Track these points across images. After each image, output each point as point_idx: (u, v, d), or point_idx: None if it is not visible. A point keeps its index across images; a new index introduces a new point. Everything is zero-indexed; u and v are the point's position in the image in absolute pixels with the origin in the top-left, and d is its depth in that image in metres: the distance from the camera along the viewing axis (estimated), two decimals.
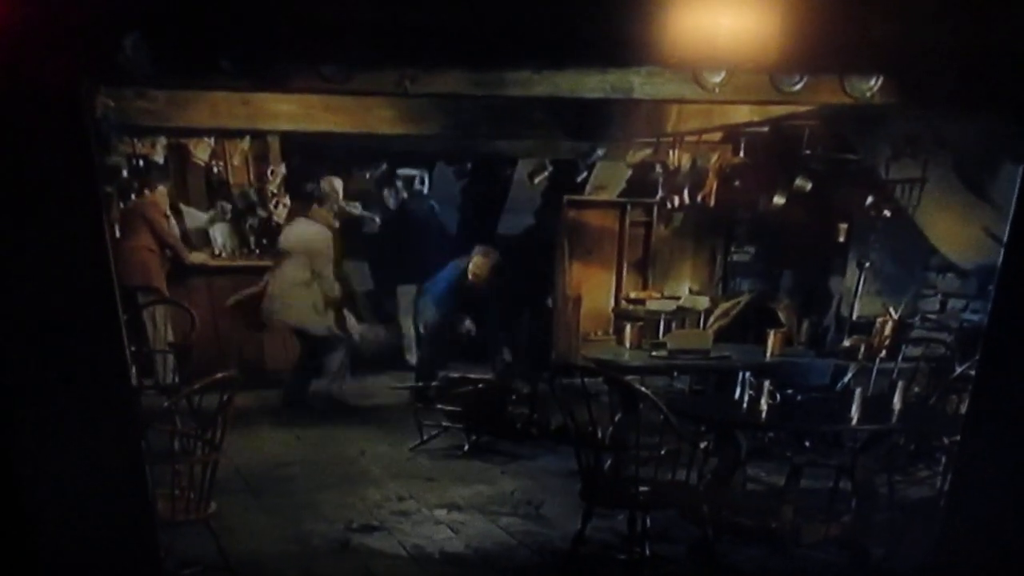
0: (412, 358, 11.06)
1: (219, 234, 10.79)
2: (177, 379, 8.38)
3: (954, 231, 8.00)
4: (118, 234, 9.56)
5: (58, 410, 3.30)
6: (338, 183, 11.02)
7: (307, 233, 9.31)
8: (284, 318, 9.23)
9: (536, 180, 11.83)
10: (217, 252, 10.61)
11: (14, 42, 2.99)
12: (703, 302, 9.98)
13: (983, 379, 3.48)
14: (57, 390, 3.28)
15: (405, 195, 11.75)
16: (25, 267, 3.14)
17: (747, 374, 5.92)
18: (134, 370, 8.11)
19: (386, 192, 11.71)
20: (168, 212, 10.24)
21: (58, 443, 3.33)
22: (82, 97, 3.13)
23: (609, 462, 5.57)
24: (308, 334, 9.27)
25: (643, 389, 5.23)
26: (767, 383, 5.72)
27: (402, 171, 12.52)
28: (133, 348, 8.10)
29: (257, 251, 10.70)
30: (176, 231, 10.09)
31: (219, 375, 4.91)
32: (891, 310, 7.81)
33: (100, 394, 3.34)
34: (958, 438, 4.07)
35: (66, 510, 3.41)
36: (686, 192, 10.65)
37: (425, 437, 8.11)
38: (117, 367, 3.42)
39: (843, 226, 9.33)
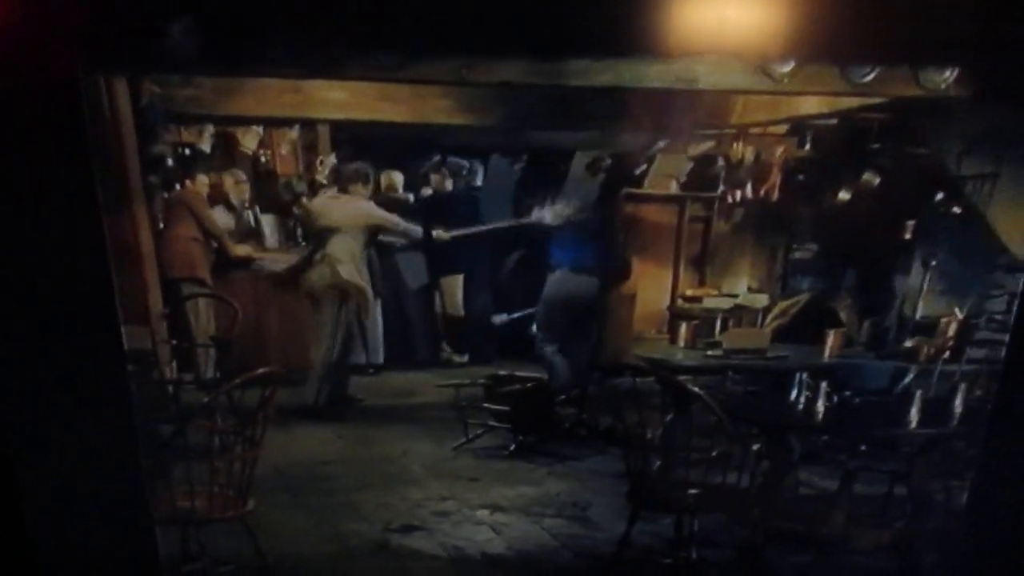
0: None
1: (266, 226, 10.91)
2: (218, 374, 8.50)
3: None
4: (161, 224, 9.72)
5: (52, 408, 3.34)
6: (398, 177, 11.15)
7: (356, 208, 9.30)
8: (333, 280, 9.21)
9: (594, 172, 11.83)
10: (266, 244, 10.73)
11: (9, 30, 3.02)
12: (761, 300, 9.93)
13: (1009, 380, 3.45)
14: (52, 387, 3.32)
15: (452, 184, 11.76)
16: (19, 261, 3.18)
17: (804, 375, 5.90)
18: (174, 364, 8.37)
19: (435, 180, 11.73)
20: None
21: (52, 440, 3.37)
22: (79, 85, 3.16)
23: (658, 464, 5.58)
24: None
25: (696, 390, 5.22)
26: (824, 384, 5.69)
27: (452, 160, 12.58)
28: (174, 341, 8.29)
29: (303, 243, 10.79)
30: (222, 221, 10.19)
31: (261, 370, 4.92)
32: (956, 310, 7.74)
33: (96, 392, 3.37)
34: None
35: (62, 509, 3.45)
36: (748, 186, 10.63)
37: (469, 436, 8.16)
38: (114, 364, 3.44)
39: (910, 223, 9.27)
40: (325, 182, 10.77)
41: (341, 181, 9.38)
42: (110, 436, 3.40)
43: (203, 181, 10.06)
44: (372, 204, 9.32)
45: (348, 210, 8.99)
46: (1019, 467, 3.28)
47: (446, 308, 11.42)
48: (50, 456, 3.36)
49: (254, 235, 10.72)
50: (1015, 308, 3.46)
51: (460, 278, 11.35)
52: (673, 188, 11.47)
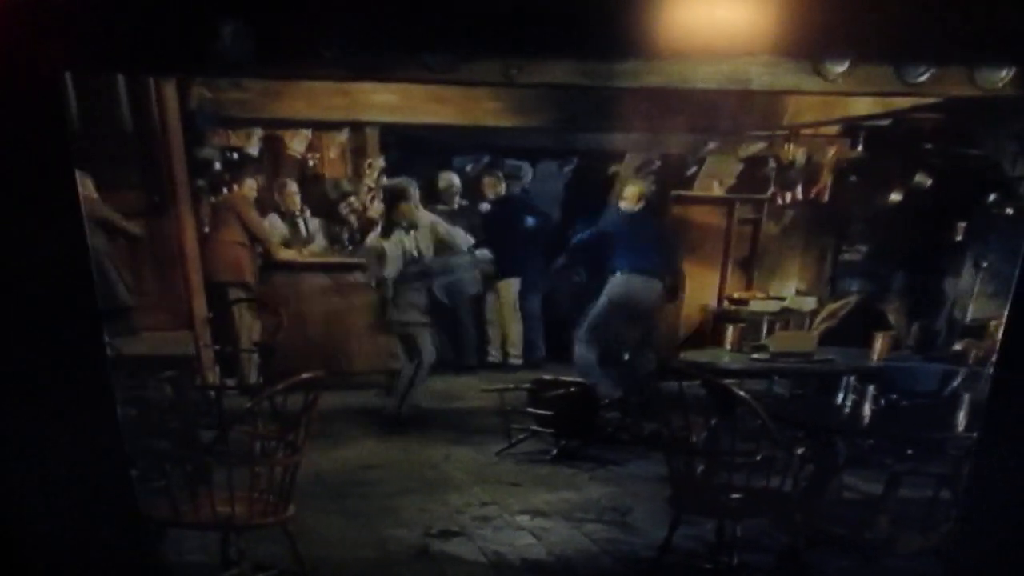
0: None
1: (315, 230, 10.98)
2: (261, 379, 8.55)
3: None
4: (207, 229, 9.81)
5: (33, 411, 3.37)
6: (455, 178, 11.18)
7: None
8: None
9: (643, 175, 11.81)
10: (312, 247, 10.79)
11: None
12: (809, 303, 9.87)
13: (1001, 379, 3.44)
14: (34, 390, 3.35)
15: (505, 188, 11.73)
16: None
17: (851, 378, 5.86)
18: (217, 369, 8.46)
19: (487, 183, 11.71)
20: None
21: (35, 445, 3.40)
22: (60, 86, 3.19)
23: (701, 468, 5.57)
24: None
25: (742, 393, 5.20)
26: (871, 388, 5.66)
27: (509, 163, 12.60)
28: (217, 346, 8.37)
29: (350, 247, 10.85)
30: (267, 225, 10.25)
31: (305, 376, 4.96)
32: (1007, 313, 7.63)
33: (80, 395, 3.40)
34: None
35: (48, 515, 3.49)
36: (799, 188, 10.57)
37: (512, 441, 8.16)
38: (96, 368, 3.47)
39: (961, 224, 9.17)
40: (372, 185, 10.81)
41: (388, 199, 9.43)
42: (94, 440, 3.43)
43: (250, 185, 10.11)
44: (434, 223, 9.39)
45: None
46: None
47: (502, 311, 11.40)
48: (30, 461, 3.39)
49: (299, 240, 10.77)
50: (1006, 312, 3.46)
51: (516, 281, 11.34)
52: (719, 190, 11.41)
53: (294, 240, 10.65)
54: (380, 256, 9.16)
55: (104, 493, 3.56)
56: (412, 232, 9.15)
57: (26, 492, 3.45)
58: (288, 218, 10.61)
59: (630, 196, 9.07)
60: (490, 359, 11.33)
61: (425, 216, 9.40)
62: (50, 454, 3.42)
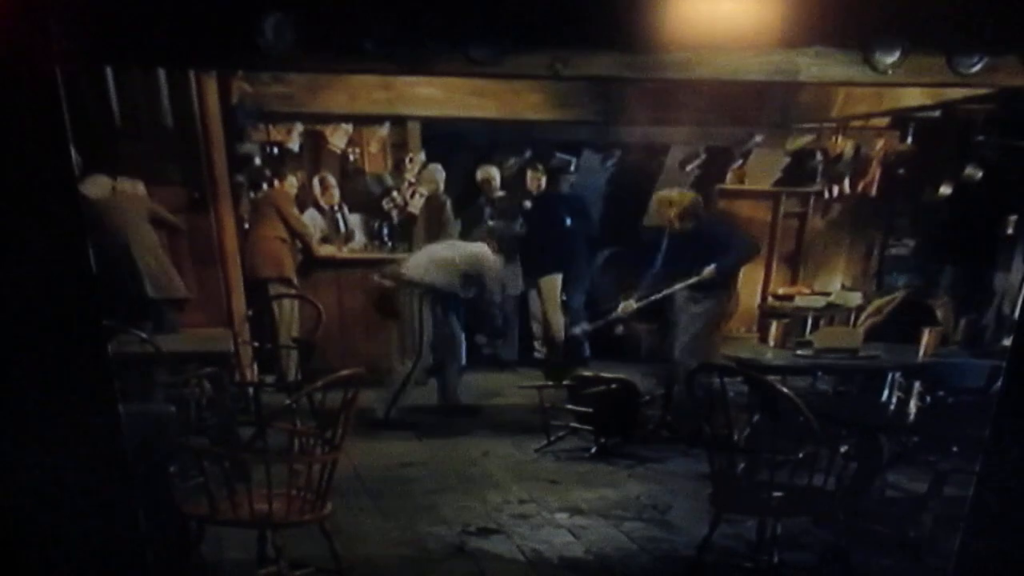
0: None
1: (353, 225, 11.04)
2: (299, 376, 8.61)
3: None
4: (247, 225, 9.89)
5: (33, 411, 3.39)
6: (495, 172, 11.21)
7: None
8: None
9: (688, 168, 11.79)
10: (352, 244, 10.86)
11: None
12: (855, 298, 9.83)
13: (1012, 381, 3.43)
14: (33, 388, 3.37)
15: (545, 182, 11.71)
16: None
17: (896, 375, 5.83)
18: (255, 366, 8.52)
19: (530, 177, 11.69)
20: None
21: (34, 445, 3.42)
22: (58, 81, 3.21)
23: (743, 466, 5.56)
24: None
25: (785, 390, 5.18)
26: (917, 384, 5.63)
27: (559, 156, 12.60)
28: (256, 343, 8.44)
29: (389, 244, 10.89)
30: (307, 221, 10.31)
31: (344, 372, 4.95)
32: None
33: (80, 393, 3.42)
34: None
35: (47, 517, 3.51)
36: (846, 181, 10.52)
37: (551, 438, 8.19)
38: (97, 364, 3.48)
39: (1012, 218, 9.10)
40: (414, 180, 10.85)
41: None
42: (95, 442, 3.45)
43: (291, 182, 10.18)
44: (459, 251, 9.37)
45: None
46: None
47: (546, 309, 11.42)
48: (28, 462, 3.42)
49: (339, 235, 10.83)
50: (1018, 308, 3.46)
51: (559, 278, 11.35)
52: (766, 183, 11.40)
53: (333, 236, 10.72)
54: None
55: (104, 495, 3.59)
56: None
57: (25, 494, 3.48)
58: (328, 213, 10.67)
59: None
60: (535, 355, 11.33)
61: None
62: (48, 454, 3.44)
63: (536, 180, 11.29)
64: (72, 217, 3.29)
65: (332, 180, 10.61)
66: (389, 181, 11.16)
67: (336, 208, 10.79)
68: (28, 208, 3.25)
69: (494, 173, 11.30)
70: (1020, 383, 3.42)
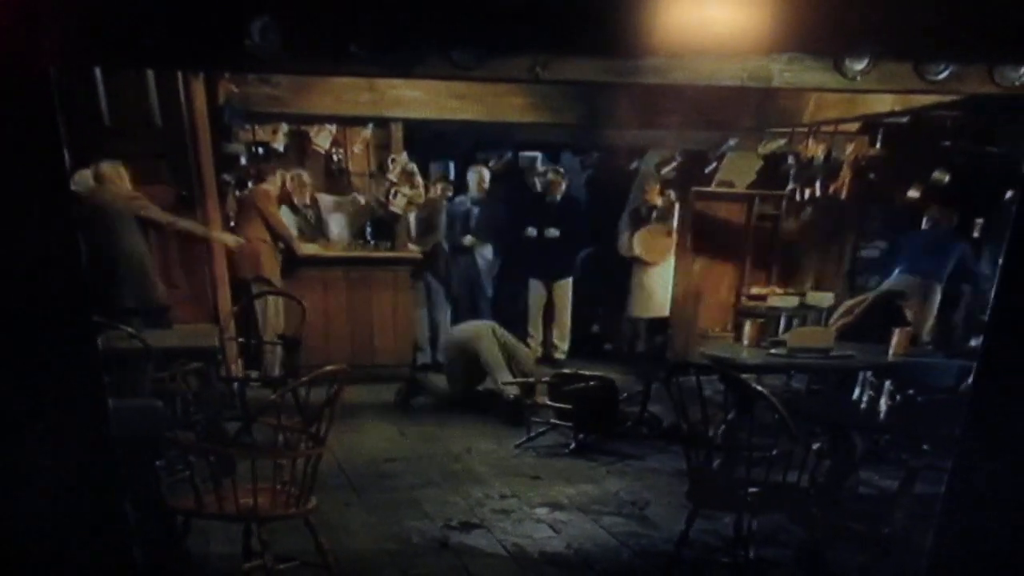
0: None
1: (335, 225, 10.99)
2: (284, 372, 8.57)
3: None
4: (233, 224, 9.82)
5: (24, 409, 3.34)
6: (487, 174, 11.20)
7: None
8: None
9: (663, 171, 11.79)
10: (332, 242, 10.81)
11: None
12: (827, 299, 9.84)
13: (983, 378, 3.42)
14: (24, 388, 3.32)
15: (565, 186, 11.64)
16: None
17: (868, 374, 5.83)
18: (241, 362, 8.47)
19: (551, 179, 11.65)
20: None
21: (22, 441, 3.37)
22: (51, 82, 3.16)
23: (719, 463, 5.54)
24: None
25: (760, 388, 5.17)
26: (888, 383, 5.62)
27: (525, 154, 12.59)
28: (241, 339, 8.38)
29: (372, 242, 10.85)
30: (288, 221, 10.24)
31: (329, 368, 4.92)
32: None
33: (71, 394, 3.37)
34: None
35: (32, 514, 3.46)
36: (818, 184, 10.53)
37: (532, 434, 8.16)
38: (88, 366, 3.43)
39: (979, 221, 9.13)
40: (396, 180, 10.81)
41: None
42: (83, 437, 3.40)
43: (274, 182, 10.11)
44: None
45: None
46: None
47: (556, 310, 11.43)
48: (18, 458, 3.37)
49: (312, 232, 10.78)
50: (989, 306, 3.44)
51: (569, 282, 11.37)
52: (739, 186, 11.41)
53: (308, 233, 10.66)
54: None
55: (91, 492, 3.53)
56: None
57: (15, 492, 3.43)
58: (301, 211, 10.62)
59: None
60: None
61: None
62: (38, 453, 3.39)
63: (556, 183, 11.28)
64: (64, 214, 3.24)
65: (306, 178, 10.53)
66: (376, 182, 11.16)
67: (307, 205, 10.72)
68: (20, 204, 3.18)
69: (485, 175, 11.30)
70: (990, 380, 3.41)
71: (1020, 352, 3.38)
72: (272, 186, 10.00)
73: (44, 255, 3.21)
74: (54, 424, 3.35)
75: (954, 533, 3.59)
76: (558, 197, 11.26)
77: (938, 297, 8.76)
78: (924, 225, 9.30)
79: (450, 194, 11.34)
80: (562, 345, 11.45)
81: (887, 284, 9.03)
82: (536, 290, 11.38)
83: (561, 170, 11.61)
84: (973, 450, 3.46)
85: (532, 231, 11.07)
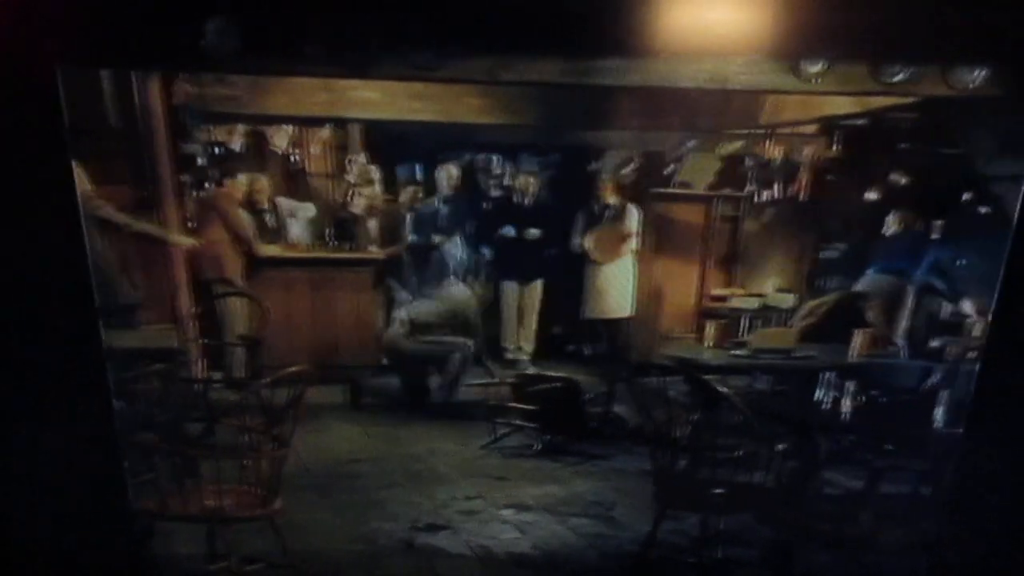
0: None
1: (295, 226, 10.92)
2: (247, 373, 8.52)
3: None
4: (193, 224, 9.75)
5: (32, 409, 3.32)
6: (455, 170, 11.16)
7: None
8: None
9: (623, 172, 11.81)
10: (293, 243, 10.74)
11: None
12: (788, 300, 9.90)
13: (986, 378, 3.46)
14: (27, 384, 3.30)
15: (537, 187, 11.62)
16: None
17: (830, 375, 5.86)
18: (203, 363, 8.41)
19: (521, 182, 11.63)
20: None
21: (31, 440, 3.36)
22: (56, 83, 3.15)
23: (684, 463, 5.56)
24: None
25: (723, 389, 5.20)
26: (850, 384, 5.66)
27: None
28: (203, 340, 8.32)
29: (333, 243, 10.80)
30: (249, 222, 10.18)
31: (292, 369, 4.92)
32: (983, 311, 7.64)
33: (77, 393, 3.36)
34: None
35: (41, 510, 3.45)
36: (777, 186, 10.58)
37: (497, 435, 8.16)
38: (93, 366, 3.42)
39: (938, 223, 9.20)
40: (355, 181, 10.77)
41: None
42: (90, 439, 3.39)
43: (235, 184, 10.05)
44: None
45: None
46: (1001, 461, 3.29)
47: (525, 311, 11.42)
48: (25, 457, 3.35)
49: (269, 234, 10.72)
50: (992, 304, 3.47)
51: (540, 283, 11.36)
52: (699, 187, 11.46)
53: (268, 235, 10.59)
54: None
55: (97, 489, 3.52)
56: None
57: (20, 488, 3.41)
58: (258, 213, 10.55)
59: None
60: (507, 356, 11.28)
61: None
62: (46, 450, 3.37)
63: (528, 185, 11.26)
64: (69, 212, 3.21)
65: (264, 180, 10.47)
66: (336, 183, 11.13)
67: (268, 207, 10.65)
68: (25, 203, 3.15)
69: (453, 172, 11.27)
70: (991, 382, 3.44)
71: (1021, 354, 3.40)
72: (233, 188, 9.93)
73: (49, 253, 3.19)
74: (59, 421, 3.33)
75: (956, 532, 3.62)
76: (531, 198, 11.24)
77: (910, 299, 8.83)
78: (891, 227, 9.36)
79: (421, 196, 11.27)
80: (527, 347, 11.41)
81: (860, 285, 9.09)
82: (510, 294, 11.37)
83: (533, 171, 11.59)
84: (974, 451, 3.49)
85: (510, 231, 11.03)
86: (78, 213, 3.27)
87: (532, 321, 11.38)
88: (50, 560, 3.54)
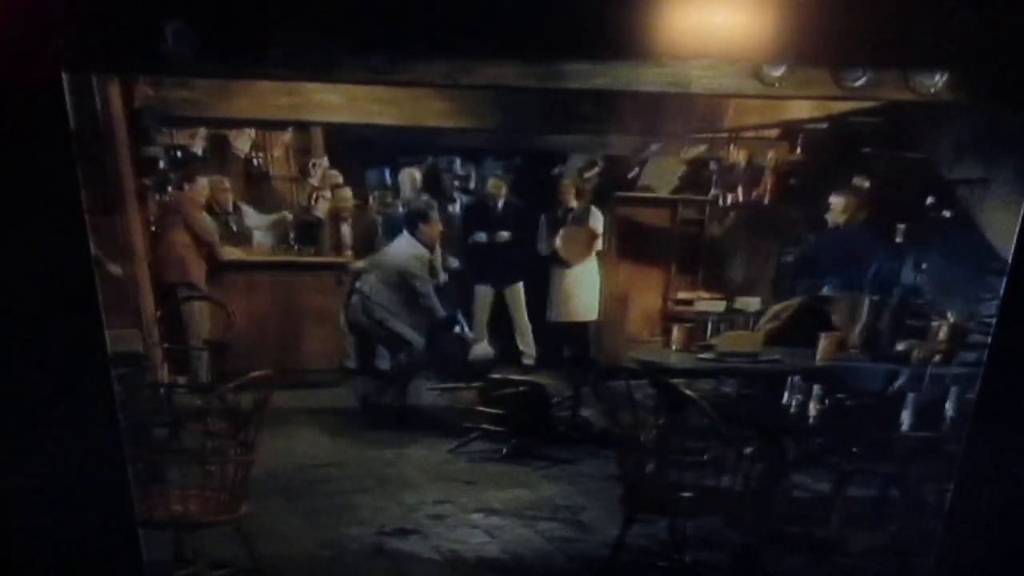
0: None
1: (258, 230, 10.88)
2: (212, 377, 8.47)
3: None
4: (155, 229, 9.69)
5: (33, 411, 3.30)
6: (417, 174, 11.14)
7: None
8: None
9: (586, 176, 11.84)
10: (256, 247, 10.69)
11: None
12: (754, 303, 9.93)
13: (989, 380, 3.48)
14: (34, 391, 3.28)
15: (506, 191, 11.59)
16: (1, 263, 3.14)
17: (796, 378, 5.89)
18: (167, 367, 8.34)
19: (491, 184, 11.61)
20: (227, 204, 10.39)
21: (34, 443, 3.34)
22: (62, 85, 3.13)
23: (652, 467, 5.57)
24: None
25: (689, 393, 5.22)
26: (817, 387, 5.69)
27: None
28: (167, 344, 8.27)
29: (296, 247, 10.76)
30: (212, 226, 10.13)
31: (256, 373, 4.91)
32: (947, 314, 7.71)
33: (80, 396, 3.33)
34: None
35: (43, 513, 3.42)
36: (740, 190, 10.63)
37: (464, 439, 8.15)
38: (98, 369, 3.40)
39: (901, 227, 9.27)
40: (318, 185, 10.75)
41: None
42: (95, 440, 3.37)
43: (196, 186, 10.00)
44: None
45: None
46: (1002, 468, 3.30)
47: (514, 316, 11.39)
48: (31, 459, 3.33)
49: (232, 236, 10.66)
50: (997, 311, 3.49)
51: (520, 285, 11.34)
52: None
53: (230, 238, 10.54)
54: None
55: (102, 495, 3.49)
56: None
57: (23, 494, 3.38)
58: (220, 216, 10.49)
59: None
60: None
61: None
62: (48, 454, 3.35)
63: (497, 188, 11.25)
64: (75, 218, 3.18)
65: (225, 184, 10.42)
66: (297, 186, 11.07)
67: (228, 210, 10.60)
68: (30, 208, 3.13)
69: (417, 176, 11.25)
70: (994, 384, 3.46)
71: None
72: (196, 192, 9.88)
73: (54, 259, 3.16)
74: (62, 424, 3.31)
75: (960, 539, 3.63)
76: (501, 202, 11.23)
77: (865, 302, 8.88)
78: (837, 228, 9.41)
79: (389, 200, 11.26)
80: (528, 351, 11.37)
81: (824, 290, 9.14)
82: (482, 297, 11.34)
83: (501, 174, 11.58)
84: (978, 457, 3.50)
85: (481, 236, 11.02)
86: (83, 218, 3.25)
87: (525, 324, 11.36)
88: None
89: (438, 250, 9.60)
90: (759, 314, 9.49)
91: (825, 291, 9.02)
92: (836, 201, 9.28)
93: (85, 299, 3.25)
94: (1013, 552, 3.44)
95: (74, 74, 3.43)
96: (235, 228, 10.69)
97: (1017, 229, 3.25)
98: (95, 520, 3.48)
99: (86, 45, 3.26)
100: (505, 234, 10.96)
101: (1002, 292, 3.50)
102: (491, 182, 11.36)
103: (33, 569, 3.45)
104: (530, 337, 11.36)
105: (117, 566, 3.60)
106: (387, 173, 11.81)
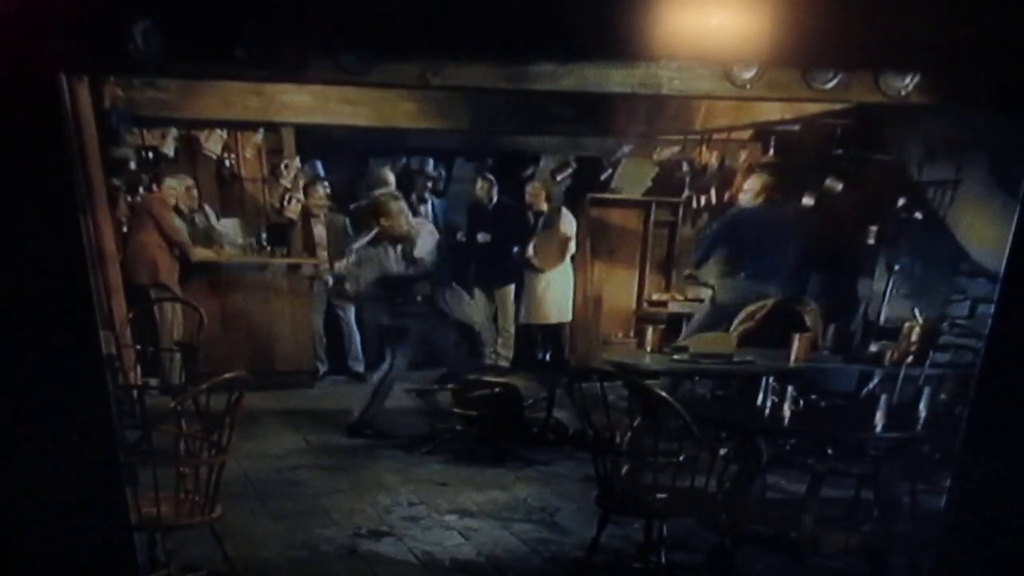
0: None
1: (229, 230, 10.83)
2: (184, 379, 8.42)
3: (987, 234, 7.93)
4: (125, 229, 9.65)
5: (26, 411, 3.29)
6: (390, 175, 11.12)
7: None
8: None
9: (559, 177, 11.85)
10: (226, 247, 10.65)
11: None
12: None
13: (985, 382, 3.50)
14: (27, 389, 3.26)
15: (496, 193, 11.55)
16: None
17: (770, 379, 5.92)
18: (139, 369, 8.29)
19: (479, 186, 11.57)
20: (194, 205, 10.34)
21: (27, 444, 3.32)
22: (59, 88, 3.12)
23: (626, 468, 5.58)
24: None
25: (663, 394, 5.23)
26: (790, 388, 5.71)
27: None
28: (138, 346, 8.22)
29: (268, 247, 10.73)
30: (182, 227, 10.08)
31: (228, 375, 4.87)
32: (919, 315, 7.76)
33: (74, 394, 3.32)
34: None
35: (37, 515, 3.41)
36: (713, 191, 10.66)
37: (438, 441, 8.16)
38: (92, 367, 3.39)
39: (873, 228, 9.32)
40: (289, 186, 10.72)
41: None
42: (88, 439, 3.36)
43: (170, 186, 9.96)
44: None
45: None
46: (996, 472, 3.32)
47: (500, 317, 11.37)
48: (24, 460, 3.32)
49: (217, 239, 10.62)
50: (992, 316, 3.50)
51: (511, 288, 11.32)
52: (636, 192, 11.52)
53: (200, 239, 10.49)
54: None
55: (95, 496, 3.48)
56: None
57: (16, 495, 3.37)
58: (188, 216, 10.44)
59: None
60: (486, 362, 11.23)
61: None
62: (43, 456, 3.33)
63: (486, 190, 11.23)
64: (71, 220, 3.17)
65: (191, 182, 10.38)
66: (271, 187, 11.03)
67: (195, 210, 10.54)
68: (26, 210, 3.12)
69: (389, 177, 11.23)
70: (992, 385, 3.47)
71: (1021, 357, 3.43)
72: (166, 193, 9.85)
73: (50, 261, 3.15)
74: (58, 427, 3.29)
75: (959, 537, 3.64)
76: (491, 203, 11.23)
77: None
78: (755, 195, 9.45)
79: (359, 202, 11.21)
80: (506, 353, 11.38)
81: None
82: (465, 299, 11.25)
83: (490, 176, 11.57)
84: (975, 456, 3.52)
85: (461, 236, 11.01)
86: (78, 221, 3.24)
87: (510, 327, 11.35)
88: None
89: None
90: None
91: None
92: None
93: (79, 299, 3.25)
94: (1011, 552, 3.46)
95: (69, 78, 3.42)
96: (204, 227, 10.65)
97: (1013, 230, 3.27)
98: (90, 521, 3.46)
99: (56, 46, 3.24)
100: (486, 236, 10.95)
101: (997, 294, 3.51)
102: (479, 184, 11.34)
103: (31, 570, 3.44)
104: (511, 341, 11.41)
105: (111, 568, 3.58)
106: (358, 173, 11.76)
